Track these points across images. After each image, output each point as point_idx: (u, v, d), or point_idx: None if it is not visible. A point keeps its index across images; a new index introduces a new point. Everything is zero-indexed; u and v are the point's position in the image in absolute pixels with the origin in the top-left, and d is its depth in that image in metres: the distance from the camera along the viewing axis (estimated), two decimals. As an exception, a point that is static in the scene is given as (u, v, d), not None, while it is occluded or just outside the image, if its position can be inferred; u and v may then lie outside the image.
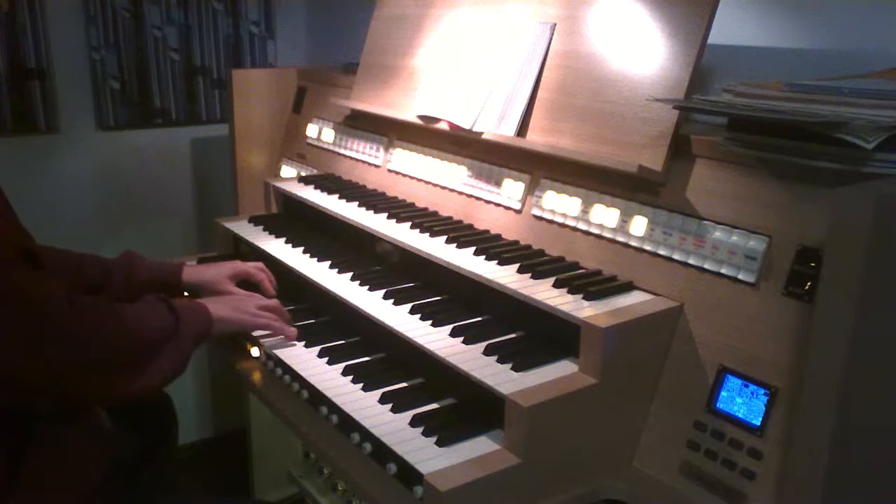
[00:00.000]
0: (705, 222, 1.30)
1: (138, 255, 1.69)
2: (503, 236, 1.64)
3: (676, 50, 1.37)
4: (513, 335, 1.39)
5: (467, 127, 1.70)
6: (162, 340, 1.30)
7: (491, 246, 1.55)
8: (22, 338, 1.12)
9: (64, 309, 1.17)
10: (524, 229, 1.61)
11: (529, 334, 1.39)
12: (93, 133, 2.62)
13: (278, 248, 1.86)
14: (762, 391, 1.18)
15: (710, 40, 1.35)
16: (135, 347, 1.26)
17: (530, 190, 1.62)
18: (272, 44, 2.92)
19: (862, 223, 0.95)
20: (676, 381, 1.29)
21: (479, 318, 1.45)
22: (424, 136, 1.92)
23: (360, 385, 1.39)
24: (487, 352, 1.31)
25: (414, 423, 1.27)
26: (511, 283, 1.39)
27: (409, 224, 1.70)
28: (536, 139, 1.60)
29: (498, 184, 1.69)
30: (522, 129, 1.62)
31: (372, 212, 1.80)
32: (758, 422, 1.17)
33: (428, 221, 1.70)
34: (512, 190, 1.65)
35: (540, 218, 1.59)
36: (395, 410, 1.31)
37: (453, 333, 1.38)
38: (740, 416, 1.20)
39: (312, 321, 1.67)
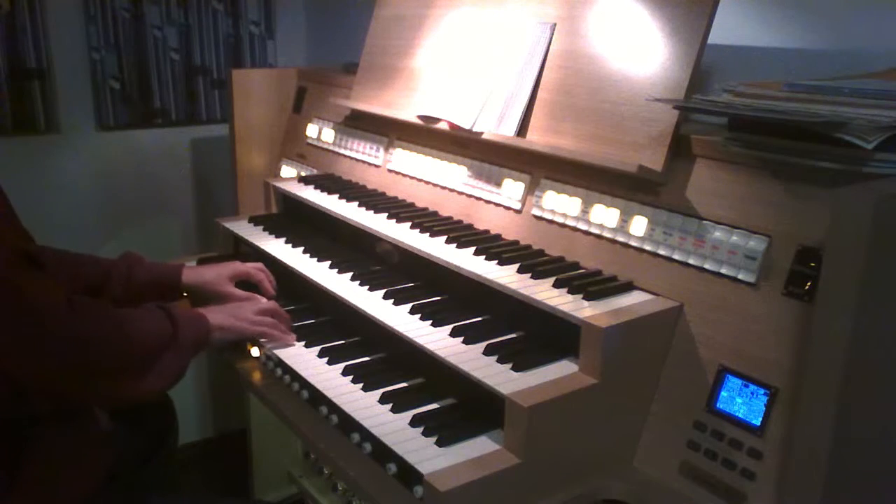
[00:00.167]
0: (705, 222, 1.30)
1: (138, 256, 1.69)
2: (503, 236, 1.64)
3: (676, 50, 1.37)
4: (513, 335, 1.39)
5: (467, 127, 1.70)
6: (160, 348, 1.30)
7: (491, 246, 1.55)
8: (21, 338, 1.12)
9: (63, 311, 1.17)
10: (524, 229, 1.61)
11: (529, 334, 1.39)
12: (93, 133, 2.62)
13: (278, 248, 1.86)
14: (762, 391, 1.18)
15: (710, 40, 1.35)
16: (133, 353, 1.27)
17: (530, 190, 1.62)
18: (272, 44, 2.92)
19: (862, 223, 0.95)
20: (676, 381, 1.29)
21: (479, 318, 1.45)
22: (424, 136, 1.92)
23: (360, 385, 1.39)
24: (487, 352, 1.31)
25: (414, 423, 1.27)
26: (511, 283, 1.39)
27: (409, 224, 1.70)
28: (536, 139, 1.60)
29: (498, 184, 1.69)
30: (522, 129, 1.62)
31: (372, 212, 1.80)
32: (758, 422, 1.17)
33: (428, 221, 1.70)
34: (512, 190, 1.65)
35: (540, 218, 1.59)
36: (395, 410, 1.31)
37: (453, 333, 1.38)
38: (740, 416, 1.20)
39: (312, 321, 1.67)
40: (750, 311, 1.22)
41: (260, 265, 1.77)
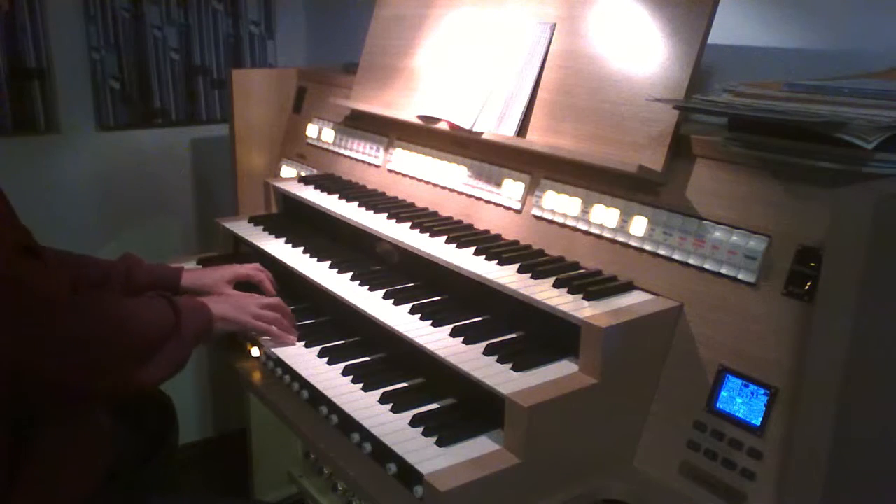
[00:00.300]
0: (705, 222, 1.30)
1: (137, 258, 1.69)
2: (503, 236, 1.64)
3: (676, 50, 1.37)
4: (513, 335, 1.39)
5: (467, 127, 1.70)
6: (163, 337, 1.30)
7: (491, 246, 1.55)
8: (23, 329, 1.12)
9: (67, 301, 1.17)
10: (524, 229, 1.61)
11: (529, 334, 1.39)
12: (93, 133, 2.62)
13: (278, 248, 1.86)
14: (762, 391, 1.18)
15: (710, 40, 1.35)
16: (136, 342, 1.27)
17: (530, 190, 1.62)
18: (272, 44, 2.92)
19: (862, 223, 0.95)
20: (676, 381, 1.29)
21: (479, 318, 1.45)
22: (424, 136, 1.92)
23: (360, 385, 1.39)
24: (487, 352, 1.31)
25: (414, 423, 1.27)
26: (511, 283, 1.39)
27: (409, 224, 1.70)
28: (536, 139, 1.60)
29: (498, 184, 1.69)
30: (522, 129, 1.62)
31: (372, 212, 1.80)
32: (758, 422, 1.17)
33: (428, 221, 1.70)
34: (512, 190, 1.65)
35: (540, 218, 1.59)
36: (395, 410, 1.31)
37: (453, 333, 1.38)
38: (740, 416, 1.20)
39: (312, 321, 1.67)
40: (750, 311, 1.22)
41: (258, 265, 1.77)
